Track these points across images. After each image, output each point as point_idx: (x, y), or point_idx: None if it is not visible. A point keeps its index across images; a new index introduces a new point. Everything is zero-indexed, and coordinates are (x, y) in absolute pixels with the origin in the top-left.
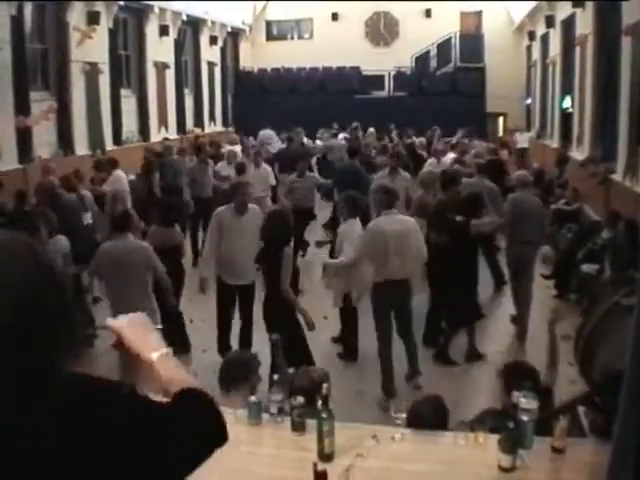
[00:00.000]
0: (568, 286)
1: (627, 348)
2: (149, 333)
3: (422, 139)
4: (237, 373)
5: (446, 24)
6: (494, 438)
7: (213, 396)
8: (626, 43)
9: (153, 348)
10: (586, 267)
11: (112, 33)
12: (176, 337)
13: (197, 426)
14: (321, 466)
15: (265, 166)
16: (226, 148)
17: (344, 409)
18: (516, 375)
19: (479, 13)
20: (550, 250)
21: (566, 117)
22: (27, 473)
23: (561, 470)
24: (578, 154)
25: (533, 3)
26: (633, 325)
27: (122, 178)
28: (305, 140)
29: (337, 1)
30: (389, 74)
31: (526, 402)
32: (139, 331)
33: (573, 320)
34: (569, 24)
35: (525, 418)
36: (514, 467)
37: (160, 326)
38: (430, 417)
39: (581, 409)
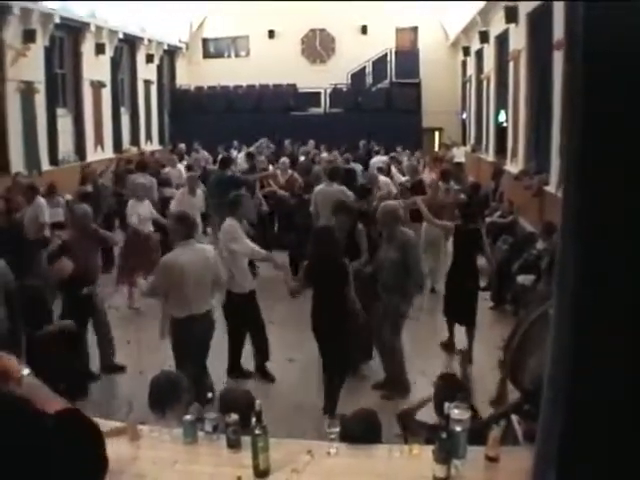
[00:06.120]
0: (504, 297)
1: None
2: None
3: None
4: (168, 394)
5: (382, 40)
6: (429, 449)
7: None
8: (558, 57)
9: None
10: (521, 278)
11: (48, 51)
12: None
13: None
14: None
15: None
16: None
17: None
18: (446, 385)
19: (415, 29)
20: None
21: (501, 131)
22: None
23: (496, 478)
24: (513, 167)
25: (468, 19)
26: (550, 335)
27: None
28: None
29: (274, 11)
30: (325, 91)
31: (458, 413)
32: None
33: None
34: (503, 39)
35: (458, 428)
36: (449, 477)
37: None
38: (362, 434)
39: (514, 417)
